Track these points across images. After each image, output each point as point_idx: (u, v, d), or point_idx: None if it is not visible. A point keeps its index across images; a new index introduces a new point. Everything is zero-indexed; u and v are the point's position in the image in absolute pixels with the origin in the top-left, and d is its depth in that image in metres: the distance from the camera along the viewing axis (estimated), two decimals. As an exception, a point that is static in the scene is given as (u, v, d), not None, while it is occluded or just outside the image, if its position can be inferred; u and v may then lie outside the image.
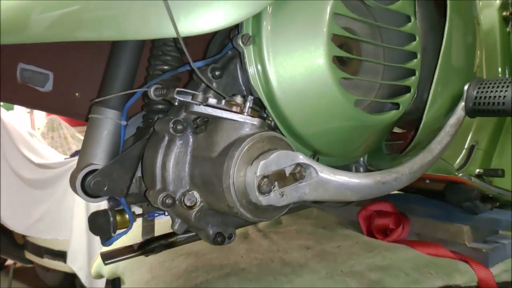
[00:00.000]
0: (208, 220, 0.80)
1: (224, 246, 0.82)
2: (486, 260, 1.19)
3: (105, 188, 0.81)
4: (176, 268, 1.15)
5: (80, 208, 2.75)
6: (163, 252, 1.04)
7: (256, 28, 0.76)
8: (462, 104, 0.92)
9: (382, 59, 0.92)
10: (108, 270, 1.32)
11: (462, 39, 0.99)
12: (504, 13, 1.30)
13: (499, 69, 1.30)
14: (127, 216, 0.89)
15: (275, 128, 0.81)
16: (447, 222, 1.33)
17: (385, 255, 1.20)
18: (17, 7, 0.63)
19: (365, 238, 1.36)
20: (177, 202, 0.77)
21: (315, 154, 0.87)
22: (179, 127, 0.75)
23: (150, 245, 0.99)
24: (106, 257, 0.99)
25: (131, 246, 1.01)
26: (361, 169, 1.07)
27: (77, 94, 1.05)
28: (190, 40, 0.72)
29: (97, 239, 2.75)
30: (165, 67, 0.89)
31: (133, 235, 0.97)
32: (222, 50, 0.84)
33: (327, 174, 0.73)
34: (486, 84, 0.90)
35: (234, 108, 0.73)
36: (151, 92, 0.78)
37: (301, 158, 0.71)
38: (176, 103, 0.76)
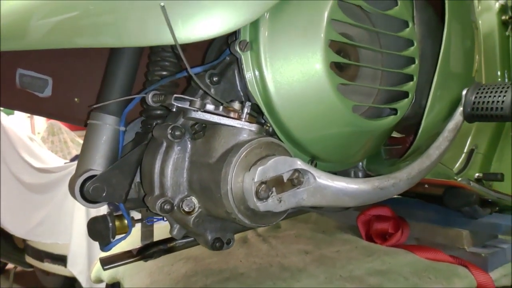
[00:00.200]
0: (207, 226, 0.80)
1: (223, 251, 0.82)
2: (485, 265, 1.19)
3: (104, 194, 0.82)
4: (175, 272, 1.15)
5: (80, 213, 2.75)
6: (162, 257, 1.04)
7: (253, 34, 0.76)
8: (461, 109, 0.92)
9: (380, 65, 0.92)
10: (107, 274, 1.32)
11: (460, 44, 0.99)
12: (503, 17, 1.30)
13: (498, 73, 1.30)
14: (126, 221, 0.89)
15: (273, 134, 0.82)
16: (446, 227, 1.33)
17: (384, 259, 1.19)
18: (16, 13, 0.64)
19: (364, 242, 1.36)
20: (175, 207, 0.77)
21: (313, 160, 0.87)
22: (177, 133, 0.76)
23: (149, 250, 0.99)
24: (105, 262, 0.99)
25: (130, 251, 1.01)
26: (360, 174, 1.07)
27: (76, 99, 1.05)
28: (188, 46, 0.72)
29: (97, 243, 2.75)
30: (163, 73, 0.90)
31: (132, 240, 0.97)
32: (220, 56, 0.85)
33: (325, 180, 0.73)
34: (484, 89, 0.90)
35: (232, 114, 0.73)
36: (149, 98, 0.78)
37: (299, 164, 0.71)
38: (174, 109, 0.76)
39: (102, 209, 2.25)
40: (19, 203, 2.98)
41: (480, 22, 1.27)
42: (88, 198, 0.82)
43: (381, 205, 1.41)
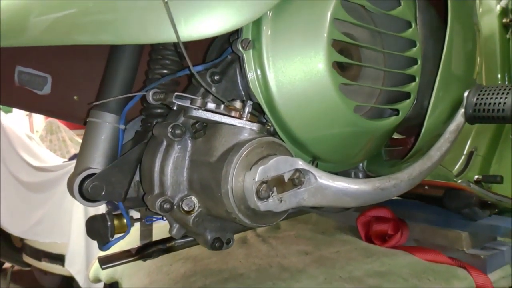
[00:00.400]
0: (206, 225, 0.79)
1: (222, 251, 0.81)
2: (484, 267, 1.19)
3: (103, 193, 0.81)
4: (174, 272, 1.15)
5: (79, 212, 2.74)
6: (161, 256, 1.03)
7: (256, 33, 0.76)
8: (462, 110, 0.92)
9: (382, 65, 0.92)
10: (106, 274, 1.31)
11: (462, 45, 0.99)
12: (504, 20, 1.30)
13: (499, 76, 1.30)
14: (125, 220, 0.89)
15: (274, 134, 0.81)
16: (445, 228, 1.33)
17: (384, 261, 1.19)
18: (14, 10, 0.63)
19: (363, 243, 1.36)
20: (175, 207, 0.76)
21: (314, 160, 0.86)
22: (178, 131, 0.75)
23: (148, 249, 0.99)
24: (104, 262, 0.99)
25: (128, 251, 1.01)
26: (360, 175, 1.07)
27: (75, 97, 1.04)
28: (189, 44, 0.71)
29: (95, 242, 2.75)
30: (164, 71, 0.89)
31: (131, 239, 0.97)
32: (221, 54, 0.84)
33: (326, 180, 0.72)
34: (486, 90, 0.90)
35: (233, 113, 0.73)
36: (150, 96, 0.77)
37: (300, 164, 0.71)
38: (175, 108, 0.76)
39: (101, 208, 2.24)
40: (17, 202, 2.97)
41: (481, 24, 1.27)
42: (87, 197, 0.81)
43: (380, 206, 1.41)
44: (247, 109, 0.73)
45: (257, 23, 0.76)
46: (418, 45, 0.88)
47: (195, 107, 0.71)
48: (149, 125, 0.90)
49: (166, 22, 0.63)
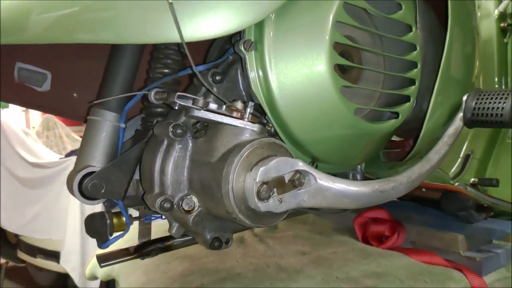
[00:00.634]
0: (206, 225, 0.80)
1: (220, 250, 0.82)
2: (479, 269, 1.20)
3: (103, 191, 0.81)
4: (171, 271, 1.15)
5: (75, 209, 2.73)
6: (158, 255, 1.04)
7: (258, 34, 0.76)
8: (461, 114, 0.92)
9: (382, 68, 0.92)
10: (102, 272, 1.31)
11: (462, 49, 1.00)
12: (502, 24, 1.31)
13: (496, 80, 1.31)
14: (124, 218, 0.89)
15: (274, 135, 0.81)
16: (442, 231, 1.34)
17: (380, 262, 1.20)
18: (16, 7, 0.63)
19: (360, 244, 1.37)
20: (175, 206, 0.77)
21: (314, 161, 0.87)
22: (179, 131, 0.75)
23: (146, 248, 0.99)
24: (102, 259, 0.99)
25: (127, 249, 1.01)
26: (358, 177, 1.07)
27: (75, 94, 1.04)
28: (190, 44, 0.71)
29: (91, 240, 2.73)
30: (166, 70, 0.89)
31: (129, 237, 0.97)
32: (222, 55, 0.84)
33: (326, 182, 0.73)
34: (484, 95, 0.90)
35: (234, 114, 0.73)
36: (152, 96, 0.77)
37: (301, 165, 0.71)
38: (177, 107, 0.76)
39: (97, 206, 2.24)
40: (13, 197, 2.96)
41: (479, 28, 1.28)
42: (87, 195, 0.81)
43: (377, 207, 1.41)
44: (248, 110, 0.73)
45: (259, 25, 0.76)
46: (418, 48, 0.89)
47: (197, 107, 0.72)
48: (149, 124, 0.90)
49: (168, 22, 0.63)
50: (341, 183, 0.74)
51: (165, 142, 0.78)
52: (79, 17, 0.62)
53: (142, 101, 0.94)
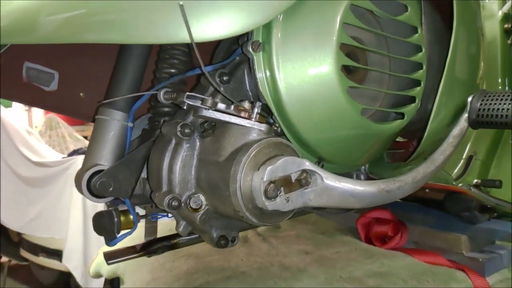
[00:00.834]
0: (213, 223, 0.80)
1: (224, 249, 0.82)
2: (482, 270, 1.20)
3: (111, 189, 0.82)
4: (176, 269, 1.16)
5: (77, 207, 2.74)
6: (163, 253, 1.05)
7: (266, 35, 0.77)
8: (466, 115, 0.93)
9: (388, 69, 0.93)
10: (107, 269, 1.32)
11: (467, 50, 1.00)
12: (506, 26, 1.31)
13: (499, 81, 1.31)
14: (131, 217, 0.90)
15: (281, 134, 0.82)
16: (445, 231, 1.34)
17: (383, 262, 1.21)
18: (25, 9, 0.64)
19: (363, 245, 1.37)
20: (182, 204, 0.77)
21: (320, 161, 0.87)
22: (187, 130, 0.76)
23: (153, 246, 1.00)
24: (109, 257, 1.00)
25: (133, 247, 1.02)
26: (362, 177, 1.08)
27: (81, 94, 1.05)
28: (197, 45, 0.72)
29: (93, 238, 2.76)
30: (172, 71, 0.90)
31: (135, 236, 0.98)
32: (229, 55, 0.85)
33: (332, 181, 0.73)
34: (490, 96, 0.90)
35: (242, 114, 0.73)
36: (161, 96, 0.78)
37: (307, 165, 0.72)
38: (185, 107, 0.76)
39: (100, 205, 2.25)
40: (16, 196, 2.97)
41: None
42: (95, 193, 0.82)
43: (381, 208, 1.42)
44: (256, 110, 0.74)
45: (267, 26, 0.76)
46: (423, 50, 0.89)
47: (205, 107, 0.72)
48: (156, 123, 0.91)
49: (176, 23, 0.63)
50: (347, 182, 0.74)
51: (173, 141, 0.78)
52: (88, 18, 0.63)
53: (149, 100, 0.95)
